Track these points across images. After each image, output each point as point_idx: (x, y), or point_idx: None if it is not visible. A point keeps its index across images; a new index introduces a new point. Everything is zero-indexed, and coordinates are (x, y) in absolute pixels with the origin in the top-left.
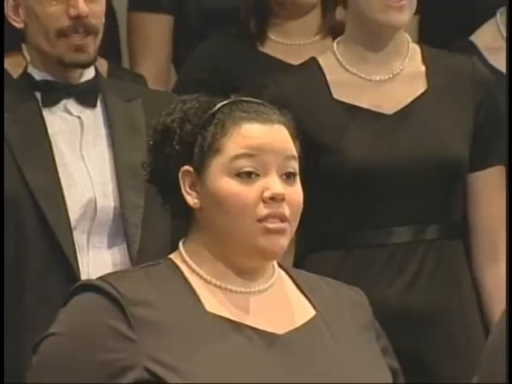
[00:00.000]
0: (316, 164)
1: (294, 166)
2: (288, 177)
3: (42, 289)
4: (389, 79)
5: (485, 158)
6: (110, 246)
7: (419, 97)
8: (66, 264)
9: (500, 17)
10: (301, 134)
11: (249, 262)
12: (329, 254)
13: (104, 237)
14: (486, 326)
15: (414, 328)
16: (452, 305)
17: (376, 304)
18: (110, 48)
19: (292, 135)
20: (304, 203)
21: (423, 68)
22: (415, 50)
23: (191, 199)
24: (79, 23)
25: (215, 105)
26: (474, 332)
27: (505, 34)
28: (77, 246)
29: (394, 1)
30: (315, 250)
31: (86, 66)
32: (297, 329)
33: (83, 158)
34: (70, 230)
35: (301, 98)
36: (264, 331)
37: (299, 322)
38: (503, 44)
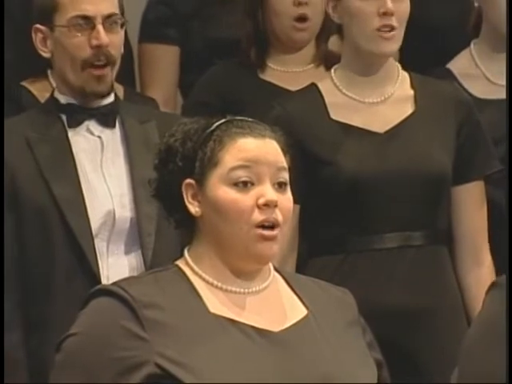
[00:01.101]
0: (315, 177)
1: (285, 176)
2: (280, 186)
3: (67, 291)
4: (380, 101)
5: (467, 173)
6: (126, 253)
7: (407, 118)
8: (89, 268)
9: (474, 46)
10: (302, 150)
11: (246, 266)
12: (328, 258)
13: (121, 244)
14: (469, 325)
15: (408, 326)
16: (442, 304)
17: (371, 304)
18: (124, 74)
19: (282, 149)
20: (305, 213)
21: (412, 92)
22: (405, 76)
23: (193, 208)
24: (100, 52)
25: (213, 124)
26: (463, 330)
27: (478, 63)
28: (98, 253)
29: (385, 32)
30: (316, 255)
31: (104, 96)
32: (290, 326)
33: (103, 173)
34: (92, 239)
35: (303, 118)
36: (262, 329)
37: (292, 320)
38: (477, 71)
